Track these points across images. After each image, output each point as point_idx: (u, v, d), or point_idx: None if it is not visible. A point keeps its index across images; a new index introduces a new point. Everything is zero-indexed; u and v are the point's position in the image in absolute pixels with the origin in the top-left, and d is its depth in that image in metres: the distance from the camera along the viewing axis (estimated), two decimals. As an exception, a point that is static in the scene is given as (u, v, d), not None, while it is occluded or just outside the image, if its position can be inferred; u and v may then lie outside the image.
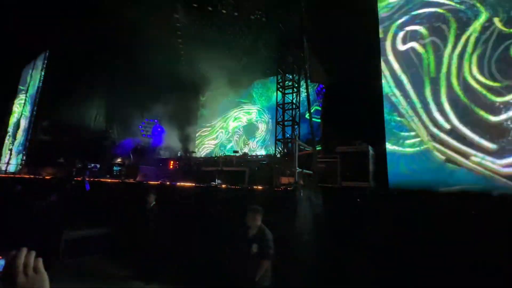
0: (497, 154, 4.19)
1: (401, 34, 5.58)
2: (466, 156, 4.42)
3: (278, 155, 6.55)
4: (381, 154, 5.42)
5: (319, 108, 10.05)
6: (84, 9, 12.08)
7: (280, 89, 6.91)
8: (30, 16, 12.49)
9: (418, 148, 4.86)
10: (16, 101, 14.94)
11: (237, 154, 10.37)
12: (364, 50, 6.19)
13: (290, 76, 6.83)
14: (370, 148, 5.37)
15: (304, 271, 4.03)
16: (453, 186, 4.21)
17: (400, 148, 5.06)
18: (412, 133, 4.99)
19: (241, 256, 3.28)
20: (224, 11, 12.08)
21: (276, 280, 3.63)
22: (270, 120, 13.77)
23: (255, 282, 3.09)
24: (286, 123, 6.73)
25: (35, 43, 13.09)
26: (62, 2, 12.15)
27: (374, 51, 5.88)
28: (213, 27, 12.97)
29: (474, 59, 4.64)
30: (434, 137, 4.77)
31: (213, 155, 15.21)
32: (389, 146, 5.18)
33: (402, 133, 5.11)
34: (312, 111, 9.54)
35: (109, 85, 13.74)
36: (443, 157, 4.59)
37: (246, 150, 13.41)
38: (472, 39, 4.73)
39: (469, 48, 4.74)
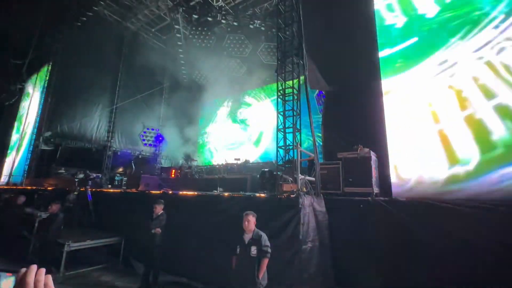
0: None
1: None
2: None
3: (280, 162, 6.53)
4: (384, 160, 5.41)
5: (320, 114, 10.09)
6: (87, 19, 12.28)
7: (281, 97, 6.94)
8: (32, 28, 12.72)
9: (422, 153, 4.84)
10: (20, 113, 15.06)
11: (239, 162, 10.37)
12: (363, 55, 6.25)
13: (290, 84, 6.86)
14: (372, 153, 5.36)
15: (308, 277, 3.98)
16: (458, 194, 4.18)
17: (403, 153, 5.04)
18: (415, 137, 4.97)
19: (242, 259, 3.47)
20: (223, 21, 12.29)
21: (281, 285, 3.67)
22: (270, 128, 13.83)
23: (257, 282, 3.30)
24: (287, 130, 6.72)
25: (38, 55, 13.30)
26: (64, 13, 12.39)
27: (373, 56, 5.94)
28: (213, 36, 13.18)
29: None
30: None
31: (215, 163, 15.22)
32: (391, 151, 5.16)
33: (405, 137, 5.10)
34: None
35: (111, 95, 13.85)
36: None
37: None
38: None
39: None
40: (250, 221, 3.56)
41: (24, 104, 14.75)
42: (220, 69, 14.31)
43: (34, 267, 0.71)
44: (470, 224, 3.64)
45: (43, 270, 0.72)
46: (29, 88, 14.87)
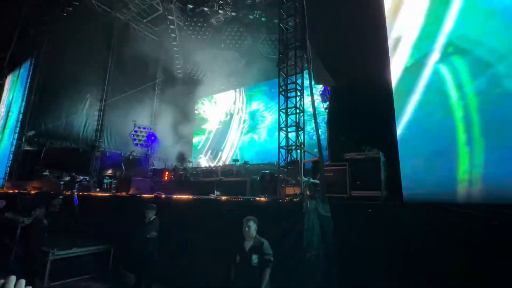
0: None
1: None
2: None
3: (282, 164, 6.53)
4: (394, 161, 5.39)
5: (325, 112, 10.07)
6: (73, 10, 12.25)
7: (283, 93, 6.93)
8: (14, 19, 12.70)
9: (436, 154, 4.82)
10: (0, 111, 15.02)
11: (237, 163, 10.37)
12: (372, 49, 6.24)
13: (293, 79, 6.85)
14: (381, 154, 5.35)
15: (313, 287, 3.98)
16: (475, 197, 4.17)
17: (415, 154, 5.03)
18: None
19: (243, 268, 3.45)
20: (221, 11, 12.29)
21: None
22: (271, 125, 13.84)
23: None
24: (289, 128, 6.72)
25: (21, 48, 13.27)
26: (49, 3, 12.36)
27: (382, 50, 5.91)
28: (209, 28, 13.18)
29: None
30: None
31: (211, 165, 15.21)
32: (402, 152, 5.15)
33: (417, 137, 5.08)
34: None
35: (99, 91, 13.83)
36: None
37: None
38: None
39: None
40: (251, 228, 3.55)
41: (6, 102, 14.71)
42: (217, 63, 14.30)
43: (13, 278, 0.70)
44: (487, 229, 3.62)
45: (22, 281, 0.71)
46: (11, 85, 14.83)
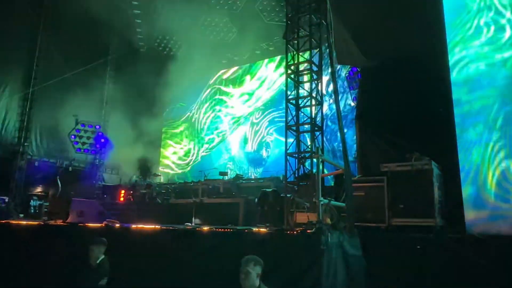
0: None
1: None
2: None
3: (291, 178, 6.56)
4: (452, 174, 5.42)
5: (353, 103, 10.15)
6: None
7: (292, 75, 6.98)
8: None
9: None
10: None
11: (226, 178, 10.38)
12: (421, 14, 6.31)
13: (307, 56, 6.91)
14: (434, 165, 5.39)
15: None
16: None
17: (483, 165, 5.07)
18: (502, 142, 4.98)
19: None
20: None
21: None
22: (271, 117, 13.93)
23: None
24: (301, 127, 6.78)
25: None
26: None
27: (435, 15, 5.98)
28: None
29: None
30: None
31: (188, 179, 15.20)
32: (464, 162, 5.19)
33: (485, 141, 5.13)
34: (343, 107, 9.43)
35: (25, 73, 13.81)
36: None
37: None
38: None
39: None
40: (251, 274, 3.46)
41: None
42: (198, 32, 14.36)
43: None
44: None
45: None
46: None
